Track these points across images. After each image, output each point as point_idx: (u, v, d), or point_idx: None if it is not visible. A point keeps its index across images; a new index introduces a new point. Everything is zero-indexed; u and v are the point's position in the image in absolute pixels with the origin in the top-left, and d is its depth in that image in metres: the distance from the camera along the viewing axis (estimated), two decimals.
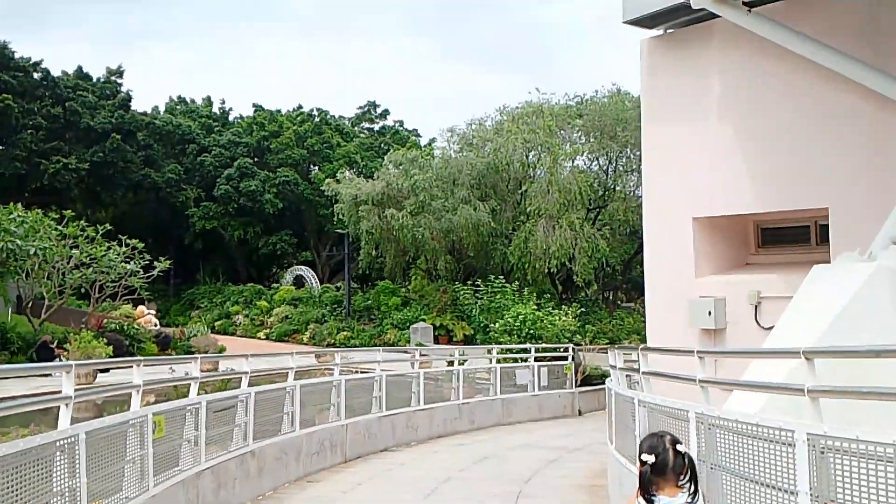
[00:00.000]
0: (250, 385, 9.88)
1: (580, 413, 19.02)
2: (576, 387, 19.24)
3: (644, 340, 36.70)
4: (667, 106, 11.62)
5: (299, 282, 53.60)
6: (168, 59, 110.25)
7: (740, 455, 5.22)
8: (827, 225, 11.12)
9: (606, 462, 11.76)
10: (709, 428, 5.76)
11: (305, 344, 41.60)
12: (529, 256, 36.40)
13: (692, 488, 3.70)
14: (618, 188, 43.07)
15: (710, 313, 10.84)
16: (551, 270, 37.04)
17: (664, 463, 3.68)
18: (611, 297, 46.35)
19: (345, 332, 40.95)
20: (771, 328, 10.55)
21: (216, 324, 46.81)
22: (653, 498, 3.67)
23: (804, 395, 4.88)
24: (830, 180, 9.98)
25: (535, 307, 20.73)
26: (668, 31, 11.82)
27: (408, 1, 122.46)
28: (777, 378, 7.00)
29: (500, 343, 19.38)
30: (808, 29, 9.55)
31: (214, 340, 35.49)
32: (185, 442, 7.64)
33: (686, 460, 3.75)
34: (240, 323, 47.61)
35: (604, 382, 20.53)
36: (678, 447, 3.75)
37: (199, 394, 8.42)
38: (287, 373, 11.41)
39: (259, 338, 44.74)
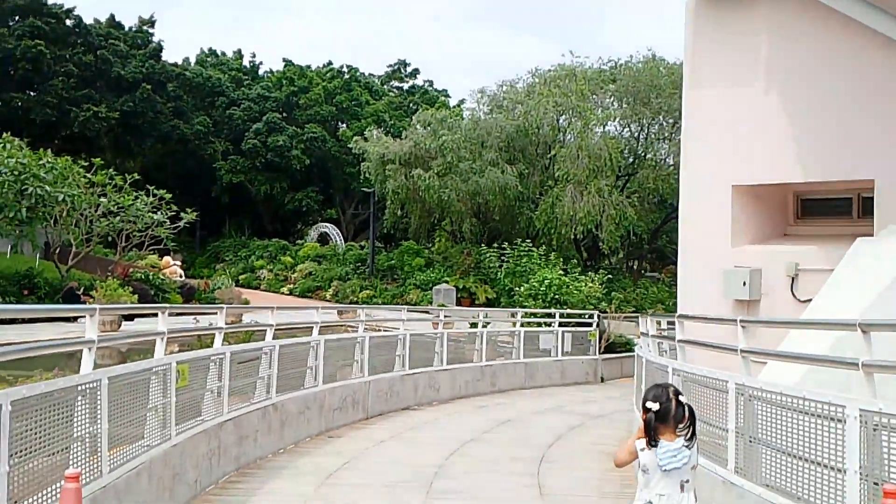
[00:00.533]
0: (274, 338, 9.79)
1: (603, 380, 18.86)
2: (599, 354, 19.07)
3: (669, 310, 36.29)
4: (710, 70, 11.26)
5: (324, 239, 53.65)
6: (200, 14, 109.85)
7: (783, 429, 4.99)
8: (871, 197, 10.80)
9: (632, 429, 11.63)
10: (749, 399, 5.53)
11: (328, 301, 41.69)
12: (556, 222, 36.08)
13: (689, 434, 4.08)
14: (648, 156, 42.48)
15: (744, 283, 10.58)
16: (577, 237, 36.73)
17: (667, 411, 4.05)
18: (636, 266, 45.99)
19: (368, 291, 40.97)
20: (808, 301, 10.31)
21: (240, 277, 47.03)
22: (655, 442, 4.04)
23: (858, 369, 4.65)
24: (877, 152, 9.64)
25: (562, 272, 20.48)
26: None
27: None
28: (818, 350, 6.78)
29: (525, 307, 19.20)
30: None
31: (238, 293, 35.67)
32: (208, 392, 7.56)
33: (686, 410, 4.09)
34: (264, 277, 47.79)
35: (627, 350, 20.43)
36: (680, 398, 4.09)
37: (223, 344, 8.32)
38: (311, 328, 11.31)
39: (282, 293, 44.90)
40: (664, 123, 42.40)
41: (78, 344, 5.35)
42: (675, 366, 7.53)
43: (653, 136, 43.10)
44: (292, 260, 48.81)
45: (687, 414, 4.10)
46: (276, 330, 9.99)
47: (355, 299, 40.52)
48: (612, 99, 42.60)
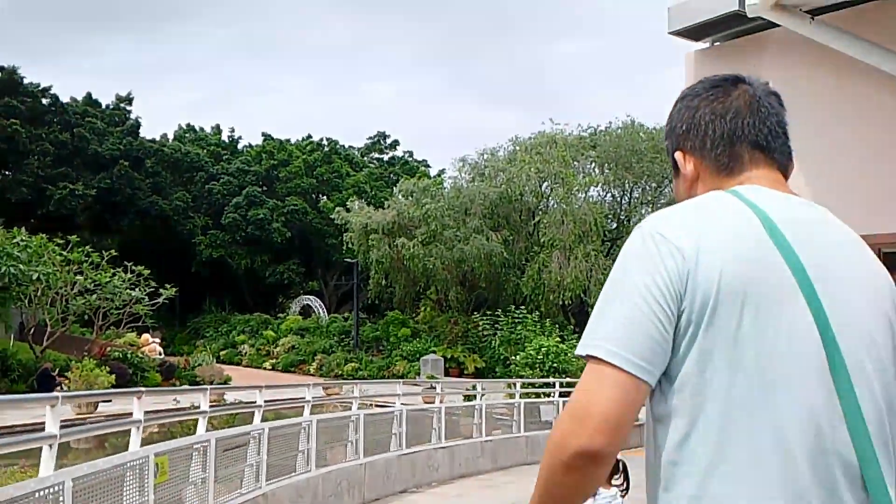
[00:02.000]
0: (263, 420, 9.01)
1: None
2: None
3: None
4: None
5: (306, 311, 52.74)
6: (178, 93, 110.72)
7: None
8: (890, 252, 10.30)
9: None
10: None
11: (312, 374, 40.65)
12: (543, 288, 35.54)
13: (624, 484, 4.87)
14: (633, 220, 42.27)
15: None
16: (565, 303, 36.15)
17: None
18: None
19: (353, 363, 40.01)
20: None
21: (221, 353, 45.88)
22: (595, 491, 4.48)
23: None
24: None
25: (559, 339, 19.79)
26: (715, 44, 11.05)
27: (415, 37, 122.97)
28: None
29: (522, 377, 18.44)
30: (878, 38, 8.77)
31: (220, 370, 34.59)
32: (190, 486, 6.76)
33: (621, 465, 4.72)
34: (245, 353, 46.70)
35: None
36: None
37: (207, 429, 7.56)
38: (301, 406, 10.53)
39: (265, 368, 43.79)
40: (646, 188, 42.45)
41: (36, 441, 4.58)
42: None
43: (636, 200, 43.07)
44: (274, 334, 47.81)
45: (621, 468, 4.81)
46: (263, 410, 9.21)
47: (340, 372, 39.53)
48: (593, 165, 42.64)
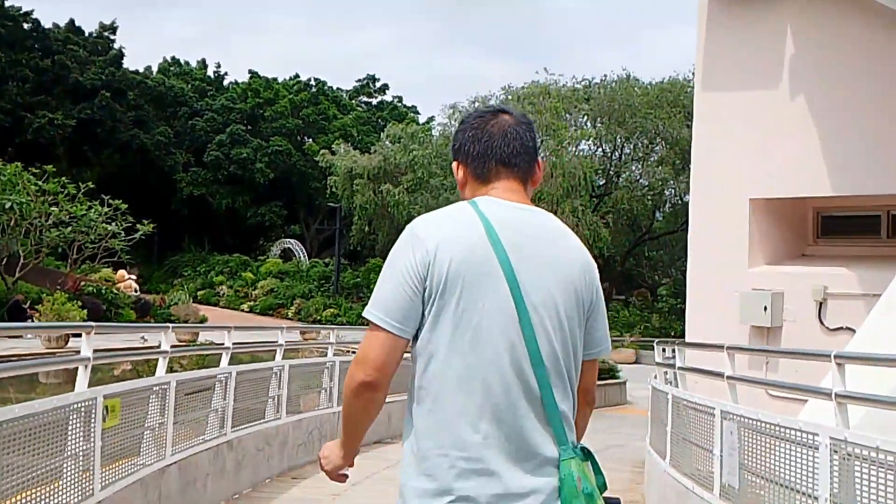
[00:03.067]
0: (231, 363, 8.43)
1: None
2: None
3: (644, 334, 35.21)
4: (727, 71, 10.17)
5: (287, 255, 52.11)
6: (165, 26, 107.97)
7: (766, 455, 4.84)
8: None
9: (632, 467, 10.43)
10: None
11: (290, 319, 40.19)
12: None
13: None
14: (622, 176, 41.73)
15: (765, 309, 9.43)
16: None
17: None
18: (606, 289, 45.08)
19: (332, 309, 39.56)
20: (838, 329, 9.21)
21: (199, 293, 45.26)
22: None
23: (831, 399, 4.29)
24: None
25: None
26: None
27: None
28: (882, 391, 5.60)
29: None
30: None
31: (196, 310, 34.04)
32: (147, 431, 6.19)
33: None
34: (223, 294, 46.11)
35: (611, 377, 19.31)
36: None
37: (169, 370, 6.97)
38: (274, 351, 9.97)
39: (243, 310, 43.27)
40: (638, 144, 41.79)
41: None
42: (673, 393, 7.21)
43: (626, 156, 42.42)
44: (254, 276, 47.20)
45: None
46: (233, 353, 8.63)
47: (319, 318, 39.07)
48: (585, 118, 41.83)
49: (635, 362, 27.16)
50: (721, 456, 5.42)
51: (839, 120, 9.20)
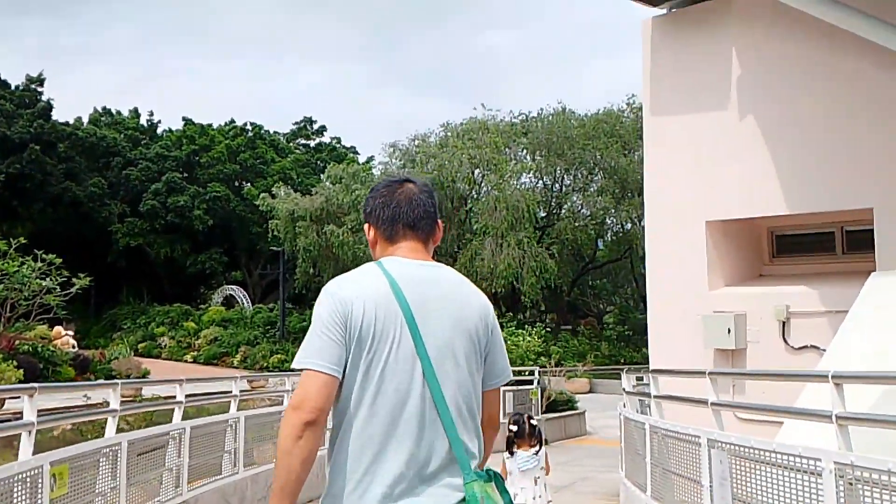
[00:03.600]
0: (184, 418, 7.99)
1: (546, 443, 17.34)
2: (541, 413, 17.62)
3: (597, 362, 35.11)
4: (674, 94, 10.17)
5: (229, 302, 51.03)
6: (94, 76, 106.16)
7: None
8: (858, 231, 9.82)
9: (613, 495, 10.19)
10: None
11: (236, 367, 39.19)
12: (476, 276, 34.82)
13: (538, 446, 6.13)
14: (564, 207, 42.01)
15: (729, 331, 9.34)
16: (497, 291, 35.57)
17: (523, 430, 6.05)
18: (554, 319, 45.17)
19: (279, 355, 38.70)
20: (803, 348, 9.15)
21: (140, 346, 43.92)
22: (514, 451, 6.08)
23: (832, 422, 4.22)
24: (875, 177, 8.60)
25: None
26: (672, 10, 10.42)
27: (339, 27, 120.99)
28: (858, 408, 5.49)
29: None
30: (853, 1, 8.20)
31: (138, 363, 32.88)
32: (98, 497, 5.74)
33: (536, 429, 6.20)
34: (165, 345, 44.85)
35: (570, 409, 19.09)
36: (531, 421, 6.23)
37: (118, 431, 6.52)
38: (227, 401, 9.51)
39: (186, 361, 42.11)
40: (578, 175, 42.18)
41: None
42: (651, 423, 7.17)
43: (567, 187, 42.78)
44: (196, 325, 46.06)
45: (536, 432, 6.18)
46: (185, 407, 8.18)
47: (266, 364, 38.21)
48: (525, 152, 42.16)
49: (589, 391, 27.03)
50: (710, 487, 5.21)
51: (789, 138, 9.23)
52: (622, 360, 40.63)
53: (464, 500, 2.27)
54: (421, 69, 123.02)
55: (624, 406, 9.05)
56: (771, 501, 4.48)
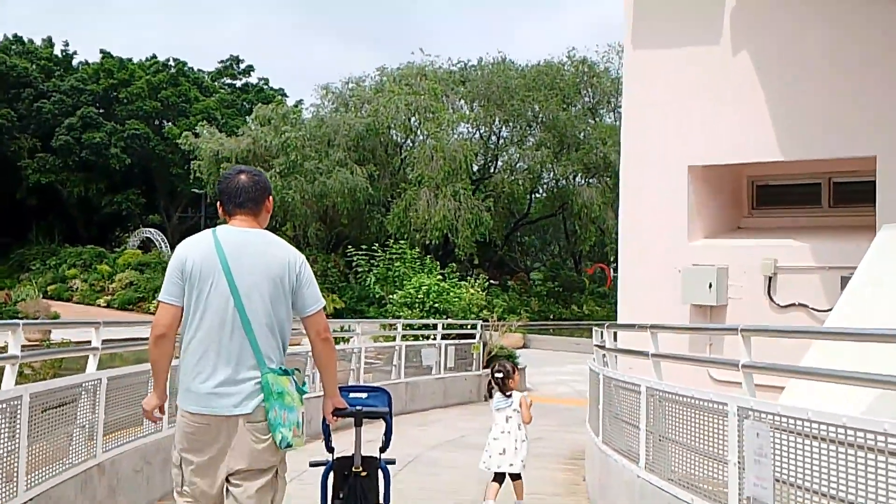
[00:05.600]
0: (100, 367, 6.83)
1: (486, 398, 16.63)
2: (482, 368, 16.88)
3: (530, 318, 34.55)
4: (660, 25, 9.29)
5: (146, 246, 48.78)
6: (6, 4, 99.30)
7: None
8: (845, 182, 9.18)
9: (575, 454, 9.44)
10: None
11: (153, 314, 37.42)
12: (409, 226, 33.90)
13: (508, 391, 7.14)
14: (501, 159, 41.23)
15: (710, 286, 8.62)
16: (430, 242, 34.69)
17: (507, 375, 7.15)
18: (485, 274, 44.62)
19: None
20: (789, 306, 8.49)
21: (49, 288, 41.60)
22: (492, 394, 7.28)
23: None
24: (882, 123, 7.90)
25: (440, 277, 18.19)
26: None
27: None
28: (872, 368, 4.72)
29: (400, 317, 16.71)
30: None
31: (47, 306, 31.05)
32: None
33: (500, 379, 7.16)
34: (77, 288, 42.58)
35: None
36: (497, 373, 7.19)
37: (18, 383, 5.37)
38: (143, 349, 8.37)
39: (99, 305, 40.07)
40: (516, 127, 41.38)
41: None
42: (650, 384, 6.18)
43: (504, 139, 41.96)
44: (110, 269, 43.86)
45: (504, 382, 7.09)
46: (102, 354, 7.01)
47: None
48: (463, 101, 41.08)
49: (523, 346, 26.50)
50: (739, 465, 4.41)
51: (787, 77, 8.47)
52: (552, 317, 40.41)
53: (260, 384, 3.45)
54: (351, 17, 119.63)
55: (605, 365, 8.23)
56: (835, 484, 3.68)
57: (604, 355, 8.92)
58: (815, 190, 9.26)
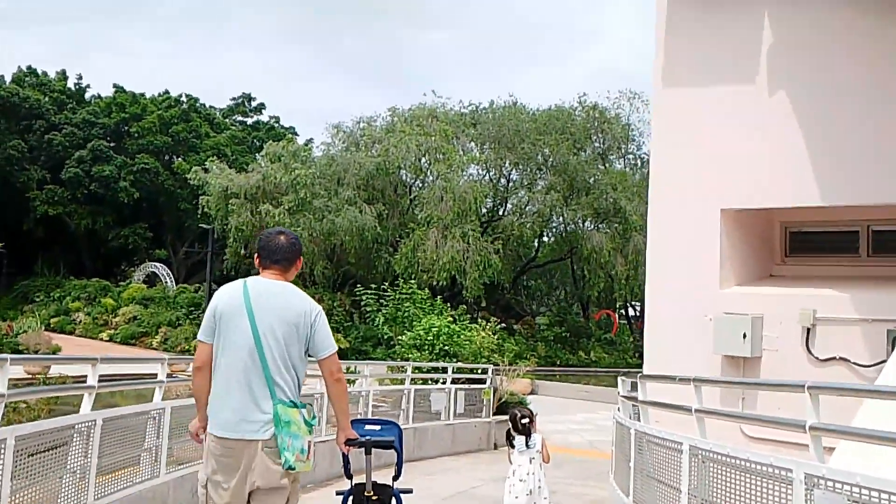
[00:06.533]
0: (95, 406, 6.38)
1: (496, 447, 16.08)
2: (492, 415, 16.31)
3: (539, 363, 33.93)
4: (692, 63, 8.94)
5: (151, 280, 48.43)
6: (19, 42, 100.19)
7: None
8: (885, 231, 8.74)
9: None
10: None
11: (155, 349, 37.02)
12: (416, 267, 33.47)
13: (529, 436, 7.54)
14: (510, 201, 40.95)
15: (744, 336, 8.14)
16: (438, 283, 34.22)
17: (516, 426, 7.57)
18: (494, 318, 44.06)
19: None
20: (830, 359, 8.00)
21: (52, 321, 41.17)
22: (513, 441, 7.61)
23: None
24: None
25: (451, 319, 17.70)
26: None
27: (278, 10, 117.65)
28: None
29: (409, 359, 16.21)
30: None
31: (48, 339, 30.48)
32: None
33: (525, 427, 7.58)
34: (80, 321, 42.14)
35: None
36: (522, 420, 7.61)
37: (7, 420, 4.93)
38: (152, 387, 7.89)
39: (101, 339, 39.58)
40: (526, 170, 41.17)
41: None
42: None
43: (514, 182, 41.71)
44: (114, 302, 43.46)
45: (525, 428, 7.54)
46: (97, 393, 6.56)
47: (187, 347, 36.09)
48: (473, 143, 40.93)
49: (531, 392, 25.90)
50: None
51: (824, 118, 8.08)
52: (558, 362, 39.75)
53: (273, 414, 4.02)
54: (362, 59, 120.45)
55: (638, 419, 7.74)
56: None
57: (633, 406, 8.45)
58: (853, 238, 8.82)
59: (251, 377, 4.02)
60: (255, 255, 4.38)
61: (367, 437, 4.67)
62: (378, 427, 4.93)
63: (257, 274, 4.29)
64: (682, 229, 8.85)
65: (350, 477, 4.87)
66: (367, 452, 4.66)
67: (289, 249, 4.32)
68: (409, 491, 4.97)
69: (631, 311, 48.04)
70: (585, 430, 19.61)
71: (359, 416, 12.96)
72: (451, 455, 14.69)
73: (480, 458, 14.90)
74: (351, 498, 4.78)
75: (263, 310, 4.07)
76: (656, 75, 9.23)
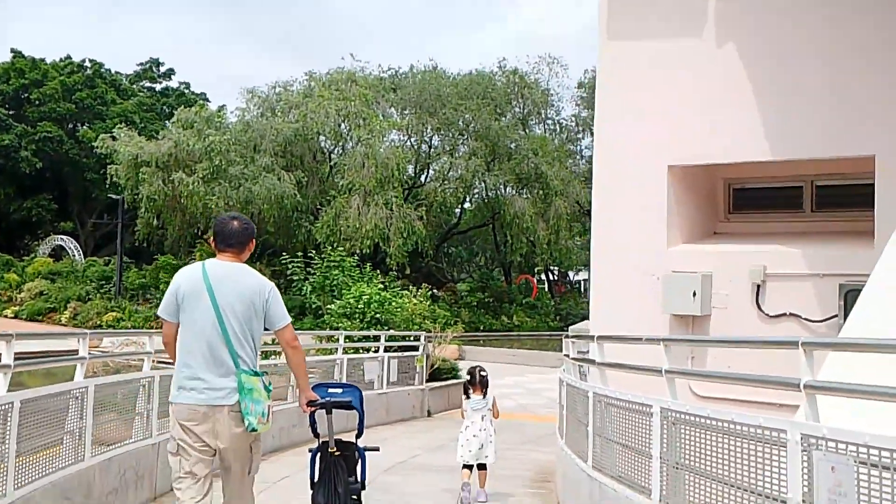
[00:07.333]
0: (11, 388, 5.77)
1: (430, 414, 15.80)
2: (425, 382, 16.02)
3: (466, 329, 33.79)
4: (638, 15, 8.67)
5: (58, 253, 46.39)
6: None
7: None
8: (829, 186, 8.71)
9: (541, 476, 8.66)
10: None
11: (64, 325, 35.49)
12: (339, 235, 32.83)
13: (486, 392, 7.92)
14: (432, 167, 40.55)
15: (694, 294, 8.00)
16: (361, 252, 33.66)
17: (474, 379, 7.94)
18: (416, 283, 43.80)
19: (114, 313, 35.29)
20: (779, 316, 7.93)
21: None
22: (469, 395, 7.95)
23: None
24: (879, 121, 7.41)
25: (381, 286, 17.27)
26: None
27: None
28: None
29: (338, 328, 15.73)
30: None
31: None
32: None
33: (484, 379, 7.96)
34: None
35: (453, 377, 17.59)
36: (482, 372, 7.98)
37: None
38: (72, 365, 7.27)
39: (6, 315, 37.79)
40: (448, 136, 40.78)
41: None
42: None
43: (436, 148, 41.30)
44: (18, 278, 41.49)
45: (484, 381, 7.93)
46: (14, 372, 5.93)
47: (99, 322, 34.71)
48: (394, 108, 40.28)
49: (459, 358, 25.77)
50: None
51: (775, 72, 7.93)
52: (482, 328, 39.81)
53: (236, 381, 4.39)
54: (275, 24, 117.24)
55: (583, 377, 7.51)
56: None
57: (580, 367, 8.22)
58: (797, 194, 8.76)
59: (215, 350, 4.40)
60: (212, 239, 4.76)
61: (328, 399, 5.02)
62: (340, 390, 5.30)
63: (208, 255, 5.32)
64: (629, 187, 8.65)
65: (317, 436, 5.17)
66: (329, 413, 4.98)
67: (241, 233, 4.64)
68: (376, 449, 5.38)
69: (552, 276, 48.43)
70: (516, 394, 19.55)
71: (289, 391, 12.50)
72: (385, 424, 14.34)
73: (415, 425, 14.61)
74: (318, 454, 5.12)
75: (223, 289, 4.44)
76: (601, 29, 8.93)
